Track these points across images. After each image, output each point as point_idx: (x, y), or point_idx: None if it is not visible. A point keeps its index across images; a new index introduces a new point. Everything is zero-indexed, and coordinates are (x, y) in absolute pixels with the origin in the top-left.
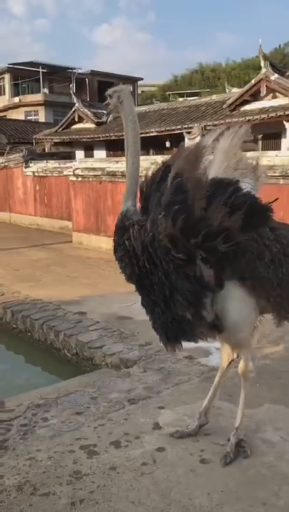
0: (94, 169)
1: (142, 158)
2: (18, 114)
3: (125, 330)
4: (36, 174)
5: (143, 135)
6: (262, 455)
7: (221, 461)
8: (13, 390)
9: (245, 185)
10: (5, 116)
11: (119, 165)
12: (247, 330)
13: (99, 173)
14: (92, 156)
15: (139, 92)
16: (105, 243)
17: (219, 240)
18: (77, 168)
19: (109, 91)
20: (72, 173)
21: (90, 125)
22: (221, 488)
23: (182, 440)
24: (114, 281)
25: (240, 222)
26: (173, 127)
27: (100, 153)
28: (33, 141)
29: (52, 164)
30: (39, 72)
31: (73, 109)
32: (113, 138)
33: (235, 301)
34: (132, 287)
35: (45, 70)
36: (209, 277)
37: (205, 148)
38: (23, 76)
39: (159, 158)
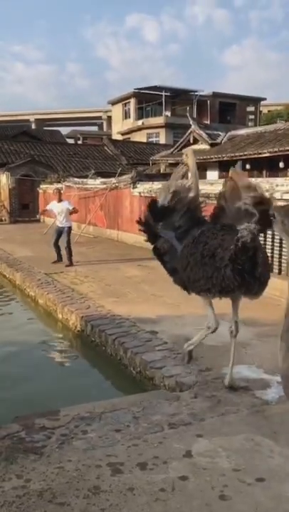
0: None
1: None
2: (141, 137)
3: None
4: (142, 194)
5: (255, 156)
6: None
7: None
8: (76, 400)
9: None
10: (129, 138)
11: (214, 187)
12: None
13: None
14: (204, 176)
15: (265, 111)
16: None
17: None
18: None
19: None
20: None
21: (205, 146)
22: None
23: (207, 471)
24: (196, 302)
25: None
26: (287, 148)
27: (212, 174)
28: (150, 163)
29: (156, 185)
30: (162, 95)
31: (189, 131)
32: (226, 159)
33: None
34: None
35: (168, 94)
36: None
37: None
38: (148, 100)
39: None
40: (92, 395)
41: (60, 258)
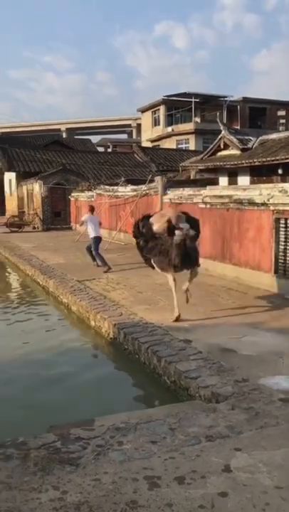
0: (222, 197)
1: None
2: (170, 143)
3: (225, 363)
4: (172, 201)
5: (288, 160)
6: None
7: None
8: (110, 409)
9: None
10: (158, 145)
11: (247, 193)
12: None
13: (226, 200)
14: (236, 182)
15: None
16: (230, 271)
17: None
18: (206, 196)
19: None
20: (201, 201)
21: (235, 151)
22: None
23: (248, 488)
24: (230, 311)
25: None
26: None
27: (243, 179)
28: (180, 169)
29: (187, 192)
30: (192, 102)
31: (219, 137)
32: (257, 164)
33: None
34: (247, 319)
35: (197, 100)
36: None
37: None
38: (177, 107)
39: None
40: (125, 404)
41: (106, 263)
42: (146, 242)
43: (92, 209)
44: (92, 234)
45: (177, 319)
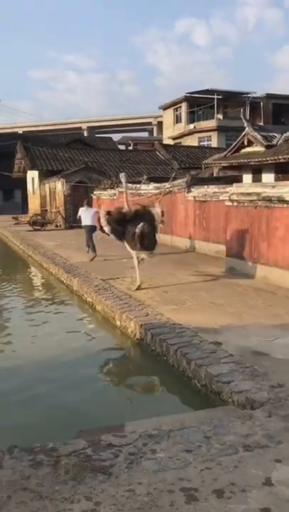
0: (249, 194)
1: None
2: (192, 141)
3: (259, 367)
4: (197, 199)
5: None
6: None
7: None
8: (139, 413)
9: None
10: (180, 142)
11: (276, 190)
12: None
13: (254, 198)
14: (260, 179)
15: None
16: (257, 270)
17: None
18: (233, 193)
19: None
20: (228, 198)
21: (260, 148)
22: None
23: None
24: (259, 312)
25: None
26: None
27: (268, 177)
28: (202, 166)
29: (212, 189)
30: (214, 99)
31: (243, 133)
32: (282, 160)
33: None
34: (278, 321)
35: (220, 97)
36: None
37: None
38: (199, 104)
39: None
40: (155, 407)
41: (94, 251)
42: (121, 229)
43: (88, 203)
44: (84, 222)
45: (138, 288)
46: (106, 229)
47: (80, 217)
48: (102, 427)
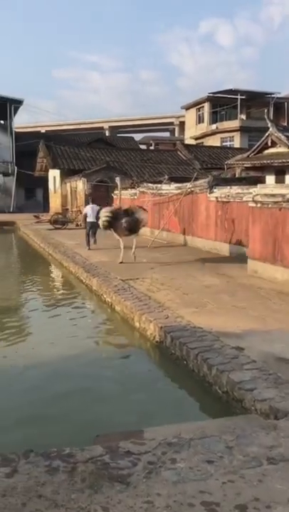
0: (274, 195)
1: None
2: (214, 141)
3: (283, 374)
4: (219, 199)
5: None
6: None
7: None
8: (158, 418)
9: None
10: (202, 143)
11: None
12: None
13: (279, 199)
14: (283, 181)
15: None
16: (281, 274)
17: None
18: (256, 195)
19: None
20: (251, 199)
21: (283, 149)
22: None
23: None
24: (283, 316)
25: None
26: None
27: None
28: (225, 167)
29: (235, 190)
30: (237, 99)
31: (267, 134)
32: None
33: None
34: None
35: (243, 97)
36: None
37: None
38: (222, 104)
39: None
40: (174, 413)
41: (88, 244)
42: (114, 221)
43: (93, 200)
44: (89, 219)
45: (122, 262)
46: (99, 222)
47: (86, 214)
48: (119, 432)
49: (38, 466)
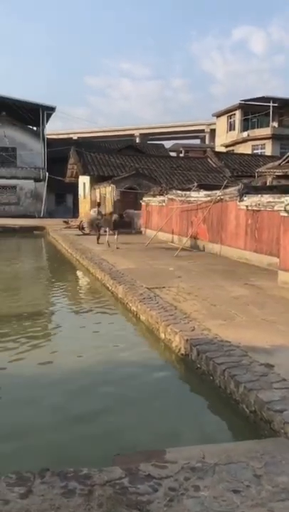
0: None
1: None
2: (245, 148)
3: None
4: (249, 208)
5: None
6: None
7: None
8: (180, 436)
9: None
10: (232, 150)
11: None
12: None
13: None
14: None
15: None
16: None
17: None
18: (288, 204)
19: None
20: (283, 209)
21: None
22: None
23: None
24: None
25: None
26: None
27: None
28: (255, 175)
29: (266, 198)
30: (269, 106)
31: None
32: None
33: None
34: None
35: (276, 104)
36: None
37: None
38: (253, 111)
39: None
40: (198, 431)
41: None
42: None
43: (98, 204)
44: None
45: (109, 246)
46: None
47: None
48: (140, 451)
49: (53, 487)
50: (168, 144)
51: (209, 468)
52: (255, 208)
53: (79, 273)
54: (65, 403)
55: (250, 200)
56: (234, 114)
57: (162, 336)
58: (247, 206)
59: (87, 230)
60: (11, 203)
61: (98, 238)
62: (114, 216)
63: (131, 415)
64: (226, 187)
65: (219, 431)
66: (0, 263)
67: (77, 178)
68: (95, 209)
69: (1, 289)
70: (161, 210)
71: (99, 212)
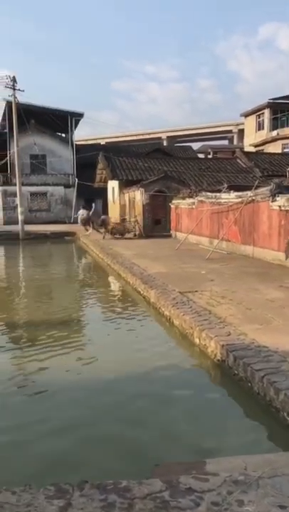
0: None
1: None
2: (275, 148)
3: None
4: (282, 208)
5: None
6: None
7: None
8: (219, 445)
9: None
10: (262, 150)
11: None
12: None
13: None
14: None
15: None
16: None
17: None
18: None
19: None
20: None
21: None
22: None
23: None
24: None
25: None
26: None
27: None
28: (287, 174)
29: None
30: None
31: None
32: None
33: None
34: None
35: None
36: None
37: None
38: (283, 110)
39: None
40: (237, 440)
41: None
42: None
43: (83, 206)
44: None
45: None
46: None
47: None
48: (179, 462)
49: (92, 500)
50: (196, 145)
51: (253, 482)
52: (288, 208)
53: (110, 278)
54: (112, 405)
55: (283, 200)
56: (263, 113)
57: (197, 341)
58: (280, 206)
59: (89, 229)
60: (42, 209)
61: (86, 230)
62: (103, 217)
63: (164, 420)
64: (257, 187)
65: (259, 439)
66: (35, 270)
67: (106, 183)
68: (83, 211)
69: (41, 294)
70: (191, 213)
71: (87, 212)
